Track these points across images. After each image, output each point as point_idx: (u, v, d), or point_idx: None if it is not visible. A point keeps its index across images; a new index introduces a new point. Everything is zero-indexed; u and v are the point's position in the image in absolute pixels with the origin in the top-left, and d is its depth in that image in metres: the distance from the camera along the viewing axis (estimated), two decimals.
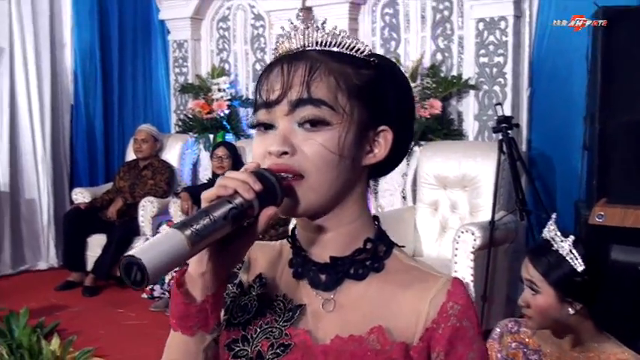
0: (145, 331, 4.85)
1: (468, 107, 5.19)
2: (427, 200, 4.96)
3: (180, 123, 6.90)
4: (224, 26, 6.85)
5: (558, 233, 2.06)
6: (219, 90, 6.48)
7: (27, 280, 6.42)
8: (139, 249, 0.88)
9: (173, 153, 6.60)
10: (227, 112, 6.44)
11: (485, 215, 4.39)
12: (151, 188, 6.16)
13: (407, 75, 5.13)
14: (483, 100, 5.06)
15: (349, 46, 1.07)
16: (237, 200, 0.95)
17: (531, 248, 2.13)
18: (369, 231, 1.10)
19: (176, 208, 5.74)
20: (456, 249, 4.24)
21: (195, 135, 6.61)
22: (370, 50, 1.10)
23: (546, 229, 2.11)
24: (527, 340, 2.18)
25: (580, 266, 1.98)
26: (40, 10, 6.79)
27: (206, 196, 0.96)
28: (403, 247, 1.15)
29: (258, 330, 1.08)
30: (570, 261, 1.99)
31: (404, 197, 5.21)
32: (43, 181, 6.81)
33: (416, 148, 5.08)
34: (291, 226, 1.30)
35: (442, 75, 5.31)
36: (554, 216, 2.17)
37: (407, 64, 5.45)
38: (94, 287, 5.85)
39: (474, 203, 4.70)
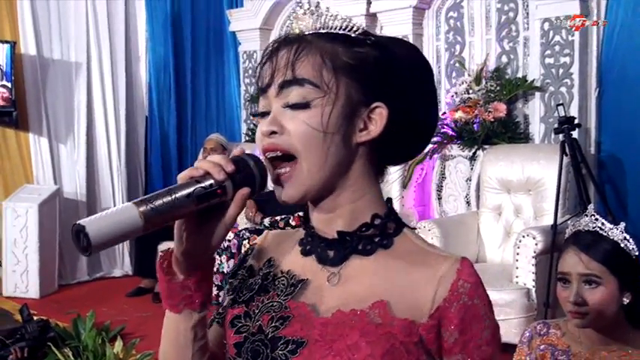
0: None
1: (534, 109, 5.06)
2: (491, 205, 4.85)
3: (249, 132, 6.98)
4: None
5: (605, 221, 2.00)
6: None
7: (101, 286, 6.61)
8: (89, 218, 0.91)
9: None
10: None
11: (550, 219, 4.25)
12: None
13: (471, 78, 5.14)
14: (549, 101, 4.91)
15: (341, 26, 1.08)
16: (207, 182, 0.98)
17: (578, 241, 2.04)
18: (377, 209, 1.11)
19: (242, 215, 5.80)
20: (517, 254, 4.13)
21: None
22: (364, 29, 1.10)
23: (587, 219, 2.04)
24: (556, 341, 2.10)
25: (636, 251, 1.96)
26: (116, 26, 7.08)
27: (181, 175, 1.00)
28: (415, 229, 1.14)
29: (260, 305, 1.09)
30: (625, 247, 1.96)
31: (468, 202, 5.11)
32: (118, 191, 7.03)
33: (479, 153, 4.99)
34: None
35: (507, 77, 5.19)
36: (591, 207, 2.09)
37: (471, 68, 5.37)
38: None
39: (539, 207, 4.57)
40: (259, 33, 6.92)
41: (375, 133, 1.07)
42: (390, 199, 1.15)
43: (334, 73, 1.04)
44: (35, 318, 4.58)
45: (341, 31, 1.07)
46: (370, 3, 5.79)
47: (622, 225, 1.99)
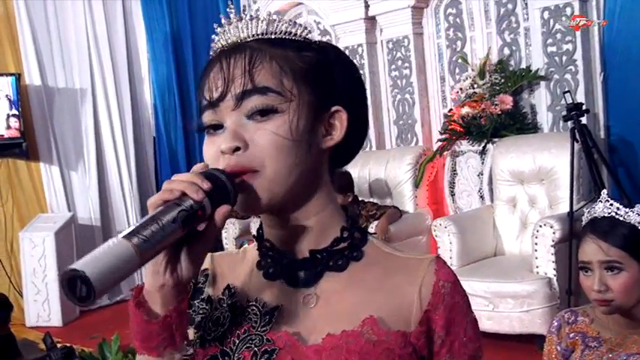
0: None
1: (540, 99, 5.05)
2: (505, 197, 4.84)
3: None
4: None
5: (620, 206, 1.98)
6: None
7: (122, 309, 6.55)
8: (81, 261, 0.79)
9: None
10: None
11: (565, 207, 4.23)
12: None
13: (475, 73, 5.14)
14: (555, 90, 4.91)
15: (287, 31, 1.02)
16: (187, 203, 0.88)
17: (595, 228, 2.03)
18: (340, 219, 1.06)
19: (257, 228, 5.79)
20: (536, 244, 4.12)
21: None
22: (308, 32, 1.05)
23: (602, 205, 2.02)
24: (585, 328, 2.08)
25: None
26: (117, 49, 7.11)
27: (152, 202, 0.89)
28: (374, 234, 1.11)
29: (237, 341, 1.00)
30: None
31: (481, 197, 5.10)
32: (132, 213, 7.07)
33: (489, 146, 4.98)
34: (253, 228, 1.23)
35: (511, 69, 5.19)
36: (604, 192, 2.09)
37: (474, 63, 5.36)
38: None
39: (553, 196, 4.56)
40: None
41: (339, 138, 1.03)
42: (345, 207, 1.09)
43: (293, 79, 0.99)
44: (59, 345, 4.59)
45: (286, 36, 1.02)
46: (368, 6, 5.80)
47: (638, 207, 1.97)
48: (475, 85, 5.17)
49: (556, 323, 2.15)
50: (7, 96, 6.34)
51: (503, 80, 5.10)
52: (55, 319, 6.11)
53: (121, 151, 7.06)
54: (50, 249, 6.08)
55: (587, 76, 4.80)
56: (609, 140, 4.86)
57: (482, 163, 5.05)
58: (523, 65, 5.16)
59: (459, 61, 5.56)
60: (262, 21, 1.01)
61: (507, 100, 4.98)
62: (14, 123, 6.35)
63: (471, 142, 5.10)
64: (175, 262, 0.92)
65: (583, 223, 2.09)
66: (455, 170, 5.25)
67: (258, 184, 0.96)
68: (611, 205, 2.00)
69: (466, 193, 5.21)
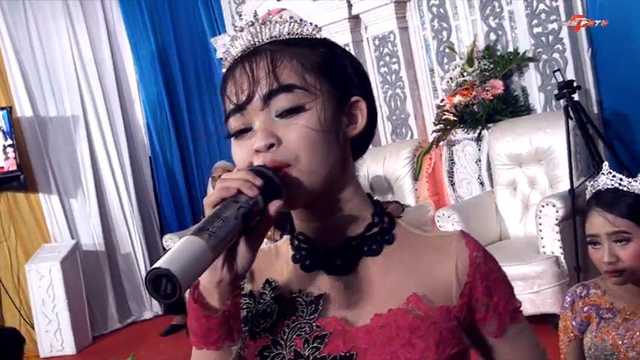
0: None
1: (531, 80, 5.05)
2: (504, 181, 4.84)
3: None
4: None
5: (623, 177, 1.99)
6: None
7: (134, 331, 6.62)
8: (162, 260, 0.84)
9: None
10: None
11: (566, 185, 4.24)
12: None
13: (463, 61, 5.15)
14: (544, 70, 4.92)
15: (298, 31, 1.07)
16: (243, 199, 0.93)
17: (600, 201, 2.03)
18: (369, 206, 1.10)
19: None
20: (540, 224, 4.12)
21: None
22: (318, 30, 1.09)
23: (605, 177, 2.03)
24: (598, 300, 2.09)
25: None
26: (105, 71, 7.12)
27: (209, 201, 0.94)
28: (400, 216, 1.14)
29: (287, 330, 1.04)
30: None
31: (481, 183, 5.10)
32: (135, 234, 7.06)
33: (484, 132, 4.98)
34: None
35: (499, 54, 5.19)
36: (606, 164, 2.09)
37: (462, 51, 5.37)
38: None
39: (552, 175, 4.56)
40: None
41: (362, 127, 1.08)
42: (369, 194, 1.14)
43: (314, 74, 1.03)
44: None
45: (298, 36, 1.06)
46: (351, 6, 5.81)
47: None
48: (465, 73, 5.16)
49: (569, 299, 2.15)
50: (0, 128, 6.35)
51: (492, 65, 5.10)
52: (69, 348, 6.11)
53: (118, 174, 7.06)
54: (57, 278, 6.08)
55: (574, 53, 4.80)
56: (603, 114, 4.86)
57: (479, 149, 5.05)
58: (510, 49, 5.16)
59: (447, 50, 5.56)
60: (274, 24, 1.06)
61: (498, 85, 4.98)
62: (11, 153, 6.34)
63: (465, 130, 5.10)
64: (231, 258, 0.96)
65: (587, 197, 2.09)
66: (452, 159, 5.25)
67: (296, 179, 1.00)
68: (614, 176, 2.01)
69: (465, 181, 5.21)
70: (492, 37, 5.29)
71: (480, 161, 5.08)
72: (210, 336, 0.98)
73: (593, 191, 2.06)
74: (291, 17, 1.09)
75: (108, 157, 7.03)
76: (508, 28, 5.21)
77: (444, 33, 5.62)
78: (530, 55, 4.97)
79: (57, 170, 6.78)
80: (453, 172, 5.27)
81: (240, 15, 6.86)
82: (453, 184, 5.27)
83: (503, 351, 1.10)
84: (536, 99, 5.02)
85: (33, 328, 6.30)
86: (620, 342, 1.98)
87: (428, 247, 1.08)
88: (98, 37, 7.11)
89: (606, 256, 1.95)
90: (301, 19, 1.10)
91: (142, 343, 5.96)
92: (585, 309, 2.10)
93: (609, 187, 2.00)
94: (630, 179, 1.98)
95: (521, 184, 4.79)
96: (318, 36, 1.09)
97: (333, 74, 1.05)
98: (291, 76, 1.01)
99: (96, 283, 6.72)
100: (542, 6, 4.87)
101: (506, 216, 4.84)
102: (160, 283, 0.83)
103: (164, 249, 6.75)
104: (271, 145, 0.99)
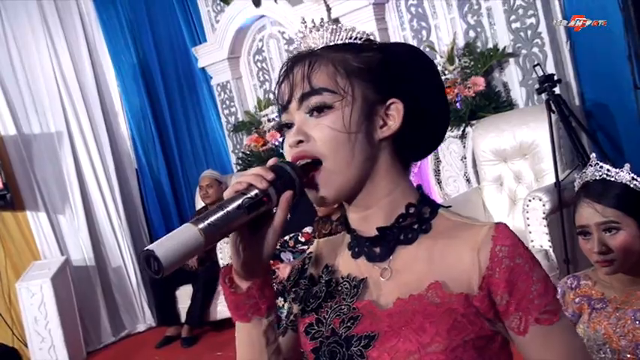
0: None
1: (512, 76, 5.09)
2: (490, 177, 4.87)
3: (239, 161, 6.99)
4: (260, 58, 6.94)
5: (610, 167, 2.02)
6: (269, 120, 6.56)
7: (128, 344, 6.60)
8: (156, 242, 0.98)
9: None
10: (281, 139, 6.49)
11: (551, 178, 4.27)
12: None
13: (444, 59, 5.17)
14: (525, 64, 4.96)
15: (347, 36, 1.18)
16: (253, 192, 1.05)
17: (589, 192, 2.05)
18: (411, 198, 1.17)
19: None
20: (527, 218, 4.15)
21: None
22: (368, 36, 1.21)
23: (592, 169, 2.05)
24: (589, 291, 2.11)
25: None
26: (87, 86, 7.08)
27: (226, 194, 1.07)
28: (450, 207, 1.20)
29: (329, 310, 1.17)
30: (635, 187, 1.97)
31: (467, 180, 5.13)
32: (124, 247, 7.04)
33: (468, 129, 5.02)
34: None
35: (479, 50, 5.22)
36: (593, 156, 2.12)
37: (442, 50, 5.40)
38: (190, 337, 5.98)
39: (537, 169, 4.59)
40: (228, 63, 6.94)
41: (395, 127, 1.16)
42: (420, 186, 1.22)
43: (347, 78, 1.13)
44: None
45: (347, 41, 1.17)
46: (330, 9, 5.82)
47: (627, 166, 2.00)
48: (446, 72, 5.19)
49: (560, 290, 2.17)
50: None
51: (472, 63, 5.14)
52: None
53: (105, 187, 7.03)
54: (49, 295, 6.04)
55: (554, 46, 4.84)
56: (584, 106, 4.90)
57: (464, 146, 5.09)
58: (490, 45, 5.19)
59: (427, 49, 5.58)
60: (326, 30, 1.18)
61: (479, 82, 5.02)
62: None
63: (449, 127, 5.11)
64: (252, 244, 1.11)
65: (576, 188, 2.12)
66: (438, 158, 5.28)
67: (322, 179, 1.12)
68: (601, 167, 2.03)
69: (452, 178, 5.24)
70: (472, 34, 5.32)
71: (465, 158, 5.11)
72: (239, 310, 1.15)
73: (582, 182, 2.08)
74: (351, 27, 1.21)
75: (94, 171, 7.00)
76: (487, 25, 5.24)
77: (424, 32, 5.65)
78: (510, 50, 5.01)
79: (43, 187, 6.74)
80: (439, 170, 5.30)
81: (218, 21, 6.87)
82: (439, 182, 5.30)
83: (529, 350, 1.11)
84: (518, 94, 5.06)
85: (26, 346, 6.25)
86: (613, 331, 2.00)
87: (460, 235, 1.12)
88: (79, 53, 7.08)
89: (596, 246, 1.97)
90: (355, 28, 1.20)
91: (136, 356, 5.95)
92: (577, 300, 2.12)
93: (597, 178, 2.02)
94: (617, 170, 2.01)
95: (507, 180, 4.82)
96: (370, 41, 1.20)
97: (370, 77, 1.15)
98: (323, 80, 1.13)
99: (87, 298, 6.68)
100: (519, 1, 4.90)
101: (493, 212, 4.87)
102: (149, 261, 0.97)
103: None
104: (300, 142, 1.13)
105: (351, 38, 1.18)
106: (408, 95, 1.16)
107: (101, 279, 6.86)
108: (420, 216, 1.16)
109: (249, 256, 1.11)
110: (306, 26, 1.22)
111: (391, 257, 1.15)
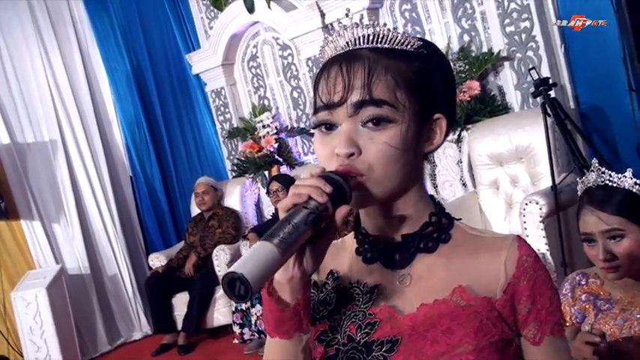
0: None
1: (507, 79, 5.08)
2: (487, 181, 4.86)
3: (235, 168, 6.98)
4: (254, 64, 6.93)
5: (612, 173, 2.01)
6: (264, 126, 6.54)
7: (125, 352, 6.58)
8: (236, 264, 0.95)
9: (234, 198, 6.69)
10: (276, 145, 6.48)
11: (548, 182, 4.27)
12: (220, 237, 6.24)
13: None
14: (520, 68, 4.95)
15: (399, 41, 1.12)
16: (312, 205, 1.01)
17: (592, 199, 2.04)
18: (431, 208, 1.17)
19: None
20: (524, 222, 4.13)
21: (252, 175, 6.68)
22: (418, 41, 1.13)
23: (595, 174, 2.06)
24: (597, 289, 2.11)
25: None
26: (81, 94, 7.07)
27: (283, 205, 1.03)
28: (460, 219, 1.20)
29: (343, 317, 1.14)
30: (638, 192, 1.97)
31: (464, 184, 5.12)
32: (119, 255, 7.02)
33: (464, 133, 5.00)
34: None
35: (473, 55, 5.22)
36: (595, 161, 2.11)
37: None
38: (187, 345, 5.95)
39: (534, 172, 4.58)
40: (222, 69, 6.93)
41: (438, 143, 1.15)
42: (432, 196, 1.21)
43: (405, 91, 1.08)
44: None
45: (399, 46, 1.11)
46: (324, 15, 5.81)
47: (629, 171, 2.00)
48: None
49: (569, 286, 2.17)
50: None
51: (467, 67, 5.13)
52: None
53: (100, 195, 7.01)
54: (44, 304, 6.01)
55: (548, 50, 4.84)
56: (580, 109, 4.90)
57: (460, 151, 5.07)
58: (484, 49, 5.19)
59: None
60: (378, 30, 1.12)
61: (474, 86, 5.01)
62: None
63: None
64: (302, 258, 1.06)
65: (578, 193, 2.11)
66: (434, 162, 5.27)
67: (366, 187, 1.08)
68: (603, 172, 2.03)
69: (448, 183, 5.23)
70: (466, 38, 5.32)
71: (461, 162, 5.10)
72: (282, 326, 1.10)
73: (584, 188, 2.07)
74: (400, 31, 1.14)
75: (88, 179, 6.98)
76: (481, 29, 5.24)
77: (418, 37, 5.62)
78: (504, 54, 5.00)
79: (38, 196, 6.72)
80: (435, 174, 5.29)
81: (212, 27, 6.86)
82: (435, 186, 5.29)
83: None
84: (514, 97, 5.05)
85: (22, 356, 6.22)
86: (619, 332, 1.99)
87: (481, 248, 1.13)
88: (72, 61, 7.06)
89: (601, 253, 1.97)
90: (404, 32, 1.14)
91: None
92: (583, 297, 2.12)
93: (599, 183, 2.02)
94: (620, 175, 2.00)
95: (503, 183, 4.81)
96: (418, 48, 1.12)
97: (421, 92, 1.11)
98: (384, 92, 1.07)
99: (83, 307, 6.65)
100: (513, 5, 4.89)
101: (490, 216, 4.86)
102: (235, 284, 0.94)
103: (150, 268, 6.73)
104: (351, 154, 1.07)
105: (401, 43, 1.11)
106: (449, 109, 1.17)
107: (97, 287, 6.84)
108: (439, 225, 1.16)
109: (297, 272, 1.06)
110: (351, 19, 1.17)
111: (411, 264, 1.15)
